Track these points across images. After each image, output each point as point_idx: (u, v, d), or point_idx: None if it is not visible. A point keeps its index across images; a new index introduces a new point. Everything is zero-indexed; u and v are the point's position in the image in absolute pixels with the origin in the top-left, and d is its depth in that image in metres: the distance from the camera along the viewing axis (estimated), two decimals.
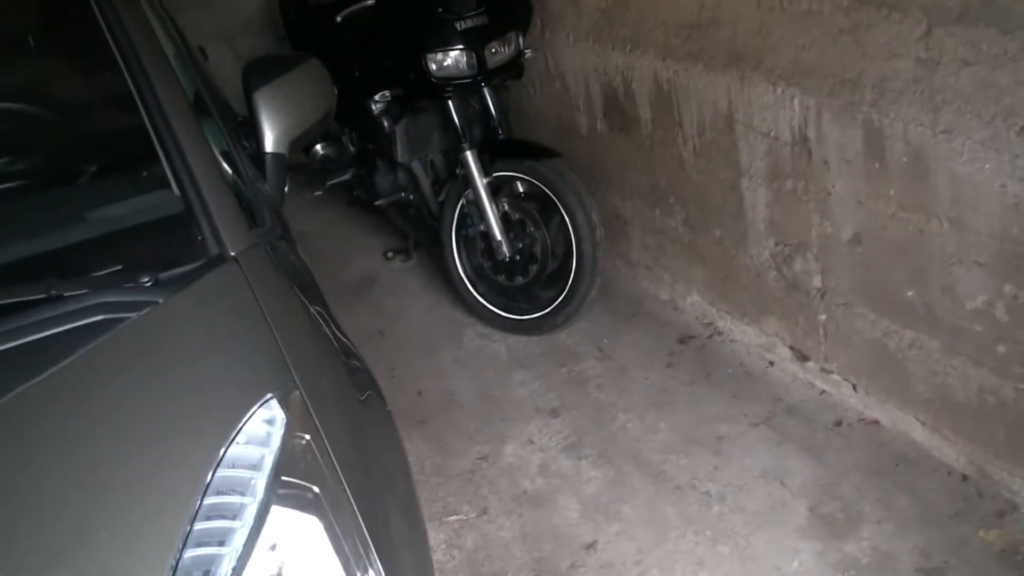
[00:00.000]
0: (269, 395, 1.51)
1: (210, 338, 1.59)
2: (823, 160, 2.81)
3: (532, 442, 3.25)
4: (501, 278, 3.83)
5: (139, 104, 1.95)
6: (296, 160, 5.03)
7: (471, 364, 3.77)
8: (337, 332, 2.07)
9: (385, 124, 3.95)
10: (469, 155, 3.65)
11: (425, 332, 4.04)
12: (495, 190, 3.72)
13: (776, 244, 3.14)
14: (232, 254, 1.73)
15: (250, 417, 1.47)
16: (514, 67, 3.73)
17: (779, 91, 2.88)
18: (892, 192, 2.62)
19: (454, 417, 3.46)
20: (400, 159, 3.96)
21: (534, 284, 3.75)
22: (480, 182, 3.65)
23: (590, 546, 2.77)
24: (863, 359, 2.97)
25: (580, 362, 3.63)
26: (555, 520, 2.89)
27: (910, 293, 2.69)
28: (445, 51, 3.51)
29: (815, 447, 2.97)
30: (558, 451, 3.18)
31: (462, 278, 3.93)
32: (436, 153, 4.06)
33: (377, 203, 4.22)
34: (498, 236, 3.68)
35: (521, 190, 3.74)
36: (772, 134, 2.97)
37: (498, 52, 3.60)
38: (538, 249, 3.68)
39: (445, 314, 4.14)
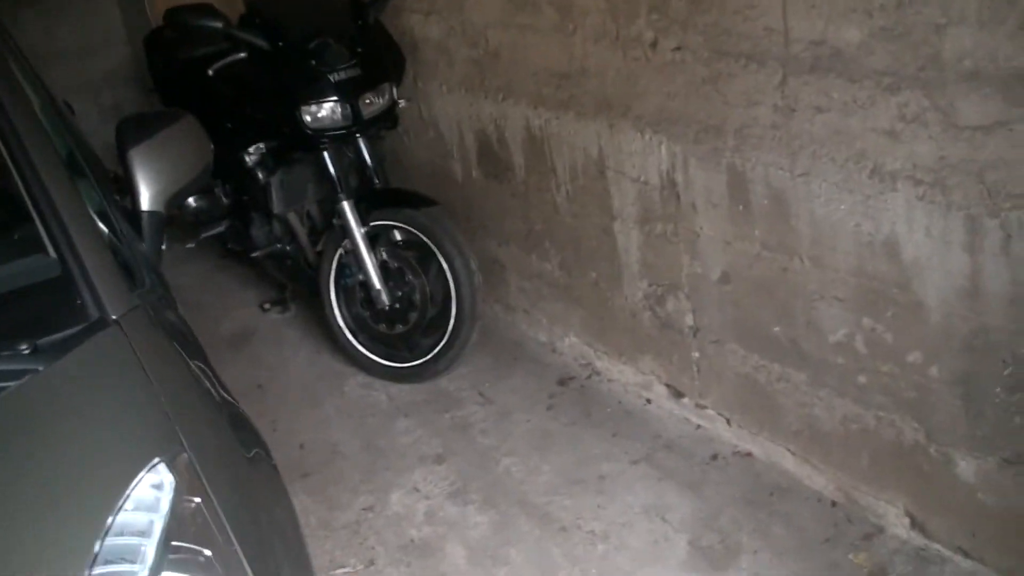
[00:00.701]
0: (156, 459, 1.49)
1: (94, 404, 1.56)
2: (691, 204, 2.92)
3: (417, 490, 3.26)
4: (381, 327, 3.84)
5: (8, 163, 1.91)
6: (167, 212, 4.97)
7: (354, 414, 3.75)
8: (220, 389, 2.06)
9: (260, 176, 3.94)
10: (346, 205, 3.67)
11: (306, 384, 4.01)
12: (373, 239, 3.74)
13: (649, 285, 3.24)
14: (113, 317, 1.71)
15: (137, 483, 1.46)
16: (389, 117, 3.76)
17: (647, 138, 2.99)
18: (757, 232, 2.74)
19: (338, 469, 3.44)
20: (276, 210, 3.95)
21: (414, 332, 3.77)
22: (358, 232, 3.66)
23: None
24: (735, 393, 3.08)
25: (463, 407, 3.65)
26: (443, 567, 2.90)
27: (777, 329, 2.81)
28: (319, 103, 3.53)
29: (693, 481, 3.06)
30: (444, 498, 3.19)
31: (342, 328, 3.93)
32: (312, 204, 4.06)
33: (253, 255, 4.19)
34: (377, 285, 3.69)
35: (399, 238, 3.76)
36: (641, 179, 3.08)
37: (372, 103, 3.63)
38: (417, 297, 3.70)
39: (326, 365, 4.12)
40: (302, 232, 4.08)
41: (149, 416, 1.56)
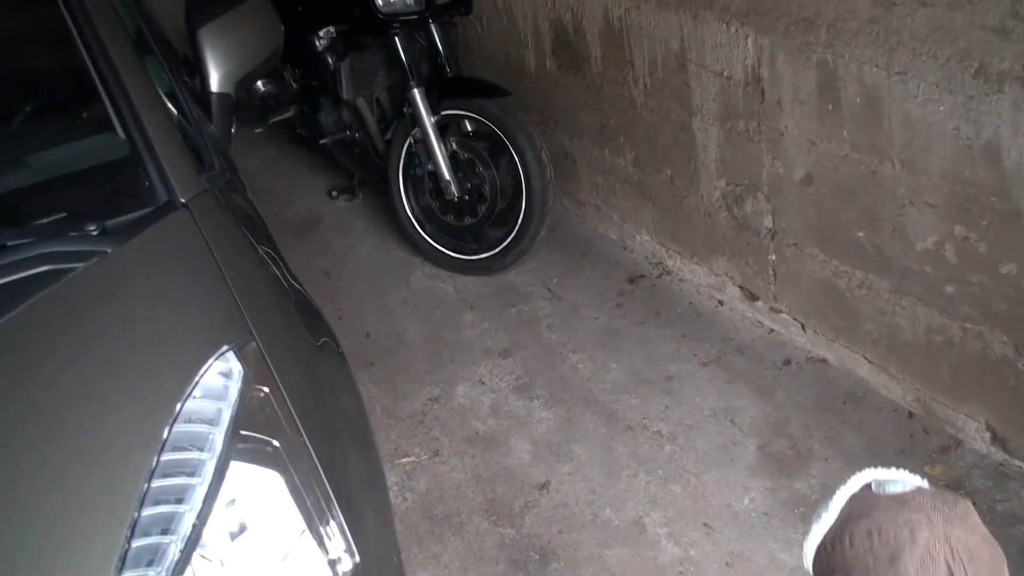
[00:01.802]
0: (225, 347, 1.46)
1: (162, 289, 1.54)
2: (776, 101, 2.80)
3: (483, 383, 3.24)
4: (450, 218, 3.78)
5: (78, 41, 1.86)
6: (236, 94, 4.92)
7: (420, 305, 3.73)
8: (289, 277, 2.03)
9: (329, 60, 3.86)
10: (416, 93, 3.58)
11: (372, 272, 3.99)
12: (443, 129, 3.66)
13: (727, 184, 3.13)
14: (183, 200, 1.67)
15: (206, 370, 1.43)
16: (463, 2, 3.64)
17: (733, 30, 2.85)
18: (845, 133, 2.62)
19: (404, 359, 3.44)
20: (345, 96, 3.87)
21: (483, 224, 3.71)
22: (428, 121, 3.58)
23: (543, 486, 2.78)
24: (812, 299, 2.99)
25: (530, 302, 3.61)
26: (507, 461, 2.89)
27: (861, 234, 2.70)
28: None
29: (764, 386, 3.00)
30: (509, 392, 3.17)
31: (410, 218, 3.88)
32: (382, 91, 3.98)
33: (322, 141, 4.13)
34: (446, 176, 3.63)
35: (470, 129, 3.68)
36: (725, 74, 2.95)
37: None
38: (487, 189, 3.63)
39: (393, 254, 4.09)
40: (371, 119, 4.01)
41: (218, 303, 1.53)
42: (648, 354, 3.22)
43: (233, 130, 2.38)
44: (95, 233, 1.56)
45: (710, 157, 3.15)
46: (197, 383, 1.42)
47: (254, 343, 1.50)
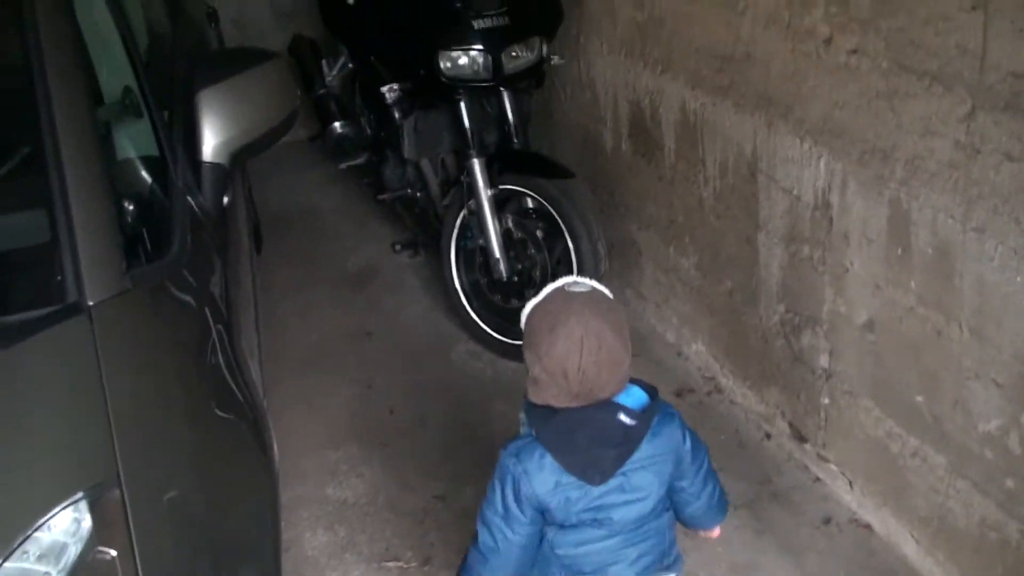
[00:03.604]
0: (79, 494, 1.26)
1: (20, 416, 1.33)
2: (844, 232, 2.49)
3: None
4: (497, 298, 3.55)
5: (36, 91, 1.66)
6: (313, 132, 4.80)
7: (453, 386, 3.51)
8: (241, 385, 1.81)
9: (396, 116, 3.68)
10: (476, 163, 3.37)
11: (414, 341, 3.79)
12: (501, 203, 3.44)
13: (787, 311, 2.82)
14: (90, 303, 1.46)
15: (43, 523, 1.23)
16: (535, 74, 3.43)
17: (806, 147, 2.56)
18: (913, 284, 2.29)
19: (421, 444, 3.21)
20: (406, 155, 3.69)
21: None
22: (484, 194, 3.37)
23: None
24: (862, 455, 2.65)
25: None
26: None
27: (919, 398, 2.36)
28: (459, 50, 3.23)
29: (797, 545, 2.67)
30: None
31: (457, 291, 3.66)
32: (448, 153, 3.78)
33: (379, 197, 3.98)
34: (496, 254, 3.40)
35: (530, 207, 3.45)
36: (794, 192, 2.65)
37: (518, 57, 3.30)
38: (537, 274, 3.39)
39: (438, 324, 3.87)
40: (434, 181, 3.82)
41: (84, 439, 1.33)
42: None
43: (227, 200, 2.20)
44: None
45: (772, 278, 2.85)
46: (28, 537, 1.21)
47: (117, 491, 1.28)
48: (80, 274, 1.49)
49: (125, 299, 1.52)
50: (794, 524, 2.73)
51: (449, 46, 3.22)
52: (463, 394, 3.46)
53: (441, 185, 3.82)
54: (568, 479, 1.69)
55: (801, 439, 2.91)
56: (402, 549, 2.80)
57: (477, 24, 3.20)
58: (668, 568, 1.85)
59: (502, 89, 3.40)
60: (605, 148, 3.71)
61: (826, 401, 2.74)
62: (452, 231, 3.60)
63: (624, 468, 1.71)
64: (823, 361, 2.71)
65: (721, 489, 1.93)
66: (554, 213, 3.27)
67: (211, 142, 2.05)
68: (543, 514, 1.74)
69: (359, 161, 4.26)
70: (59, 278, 1.49)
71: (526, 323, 1.74)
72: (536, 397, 1.73)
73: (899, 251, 2.31)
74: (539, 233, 3.38)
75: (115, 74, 2.01)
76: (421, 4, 3.30)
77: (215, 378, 1.69)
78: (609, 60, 3.53)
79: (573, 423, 1.69)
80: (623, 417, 1.69)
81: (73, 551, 1.23)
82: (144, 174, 1.98)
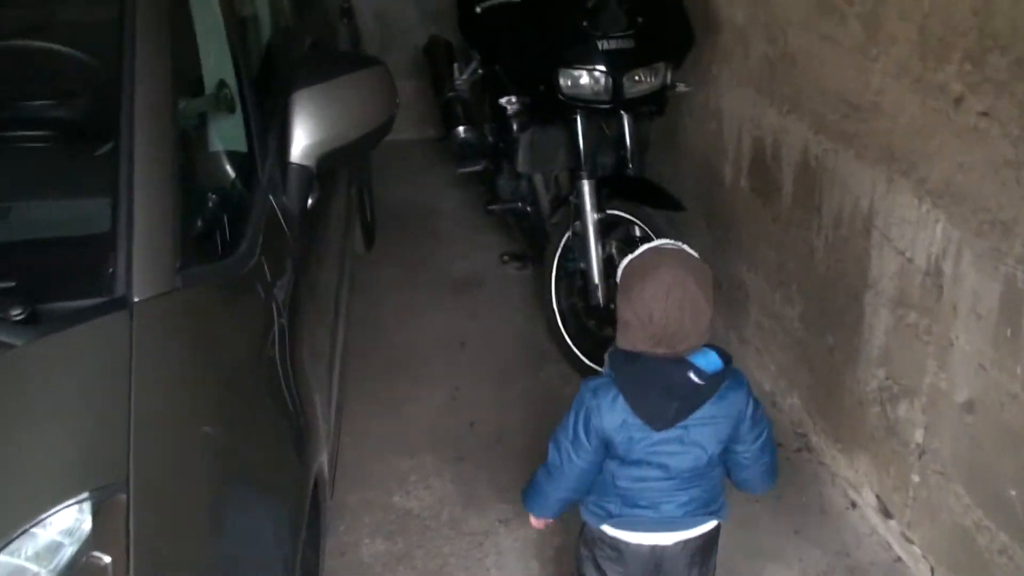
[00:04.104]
0: (84, 494, 1.24)
1: (41, 406, 1.31)
2: (952, 304, 2.33)
3: (562, 517, 2.91)
4: (592, 323, 3.48)
5: (124, 80, 1.65)
6: (439, 134, 4.81)
7: (538, 405, 3.44)
8: (291, 395, 1.78)
9: (513, 128, 3.64)
10: (585, 185, 3.30)
11: (507, 356, 3.74)
12: (607, 228, 3.36)
13: (886, 377, 2.67)
14: (136, 299, 1.45)
15: (45, 519, 1.21)
16: (656, 101, 3.34)
17: (924, 208, 2.40)
18: (1019, 369, 2.13)
19: (495, 462, 3.16)
20: (519, 168, 3.64)
21: None
22: (590, 217, 3.29)
23: None
24: (947, 543, 2.48)
25: None
26: None
27: (1014, 492, 2.19)
28: (580, 69, 3.16)
29: None
30: None
31: (554, 311, 3.59)
32: (561, 170, 3.71)
33: (489, 207, 3.94)
34: (596, 279, 3.32)
35: (637, 235, 3.35)
36: (907, 254, 2.50)
37: (640, 81, 3.22)
38: None
39: (534, 341, 3.81)
40: (544, 197, 3.77)
41: (100, 437, 1.30)
42: (749, 542, 2.78)
43: (311, 202, 2.19)
44: (18, 317, 1.37)
45: (875, 341, 2.70)
46: (25, 532, 1.20)
47: (123, 496, 1.26)
48: (131, 269, 1.47)
49: (171, 298, 1.49)
50: None
51: (571, 64, 3.16)
52: (546, 417, 3.36)
53: (552, 202, 3.76)
54: (634, 421, 1.89)
55: (887, 514, 2.75)
56: (457, 569, 2.75)
57: (601, 45, 3.12)
58: (713, 513, 2.04)
59: (622, 112, 3.32)
60: (724, 182, 3.59)
61: (916, 479, 2.58)
62: (556, 250, 3.53)
63: (686, 422, 1.89)
64: (918, 436, 2.55)
65: (775, 461, 2.09)
66: None
67: (301, 143, 2.03)
68: (607, 447, 1.95)
69: (477, 168, 4.24)
70: (111, 271, 1.48)
71: (622, 274, 1.95)
72: (623, 341, 1.91)
73: (1008, 332, 2.14)
74: None
75: (218, 66, 2.02)
76: (547, 19, 3.25)
77: (256, 388, 1.65)
78: (737, 93, 3.41)
79: (648, 372, 1.87)
80: (693, 376, 1.85)
81: (67, 552, 1.20)
82: (229, 169, 1.97)
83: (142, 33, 1.66)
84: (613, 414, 1.90)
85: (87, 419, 1.32)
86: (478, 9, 3.38)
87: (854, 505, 2.90)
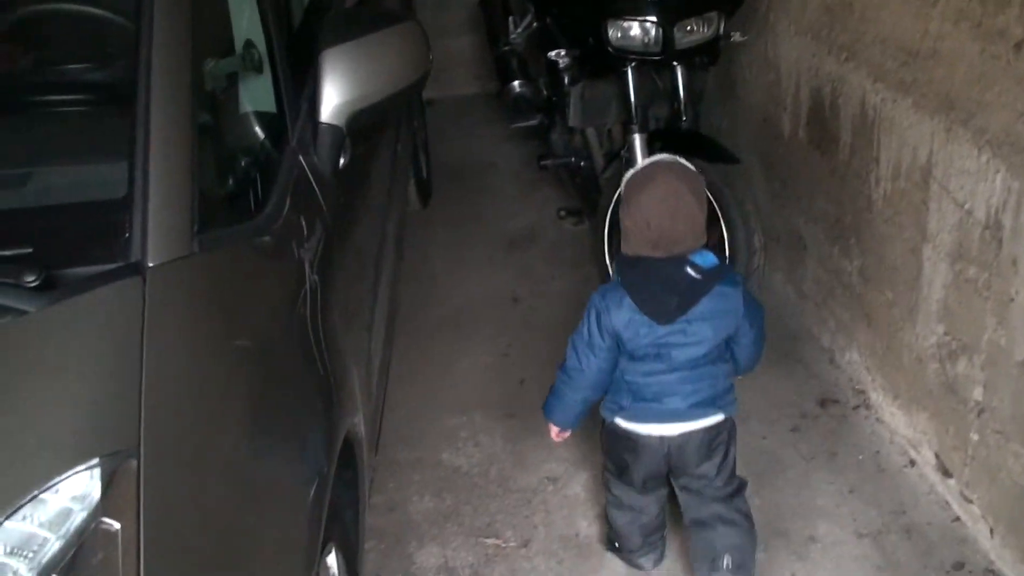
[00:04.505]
0: (95, 460, 1.24)
1: (52, 372, 1.31)
2: (1012, 258, 2.24)
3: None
4: None
5: (138, 43, 1.61)
6: (494, 88, 4.75)
7: None
8: (322, 355, 1.77)
9: (565, 81, 3.58)
10: (637, 139, 3.25)
11: (559, 313, 3.70)
12: None
13: (944, 334, 2.58)
14: (150, 264, 1.43)
15: (55, 484, 1.22)
16: (709, 51, 3.25)
17: (984, 159, 2.31)
18: None
19: (544, 421, 3.13)
20: (570, 123, 3.59)
21: None
22: None
23: None
24: (1006, 503, 2.41)
25: None
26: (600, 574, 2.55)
27: None
28: (629, 20, 3.09)
29: None
30: None
31: (607, 266, 3.55)
32: (614, 124, 3.64)
33: (542, 163, 3.89)
34: None
35: None
36: (966, 206, 2.40)
37: (692, 31, 3.13)
38: None
39: (587, 297, 3.74)
40: (598, 152, 3.71)
41: (111, 403, 1.29)
42: (801, 500, 2.74)
43: (343, 162, 2.17)
44: (32, 283, 1.37)
45: (933, 295, 2.61)
46: (35, 498, 1.21)
47: (134, 462, 1.26)
48: (146, 233, 1.45)
49: (187, 263, 1.48)
50: (921, 565, 2.51)
51: (619, 15, 3.09)
52: None
53: (605, 156, 3.70)
54: (640, 317, 2.13)
55: (946, 473, 2.67)
56: (504, 527, 2.75)
57: None
58: (720, 408, 2.26)
59: (675, 64, 3.24)
60: (783, 134, 3.50)
61: (975, 437, 2.50)
62: (608, 205, 3.47)
63: (688, 316, 2.13)
64: (976, 394, 2.47)
65: (760, 351, 2.35)
66: (712, 199, 3.10)
67: (331, 103, 2.01)
68: (618, 345, 2.19)
69: (532, 123, 4.20)
70: (127, 236, 1.47)
71: (624, 186, 2.21)
72: (626, 247, 2.20)
73: None
74: None
75: (249, 26, 2.00)
76: None
77: (280, 351, 1.63)
78: (796, 42, 3.30)
79: (649, 271, 2.14)
80: (690, 271, 2.12)
81: (77, 518, 1.20)
82: (258, 130, 1.96)
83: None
84: (621, 312, 2.15)
85: (98, 385, 1.31)
86: None
87: (912, 463, 2.83)
